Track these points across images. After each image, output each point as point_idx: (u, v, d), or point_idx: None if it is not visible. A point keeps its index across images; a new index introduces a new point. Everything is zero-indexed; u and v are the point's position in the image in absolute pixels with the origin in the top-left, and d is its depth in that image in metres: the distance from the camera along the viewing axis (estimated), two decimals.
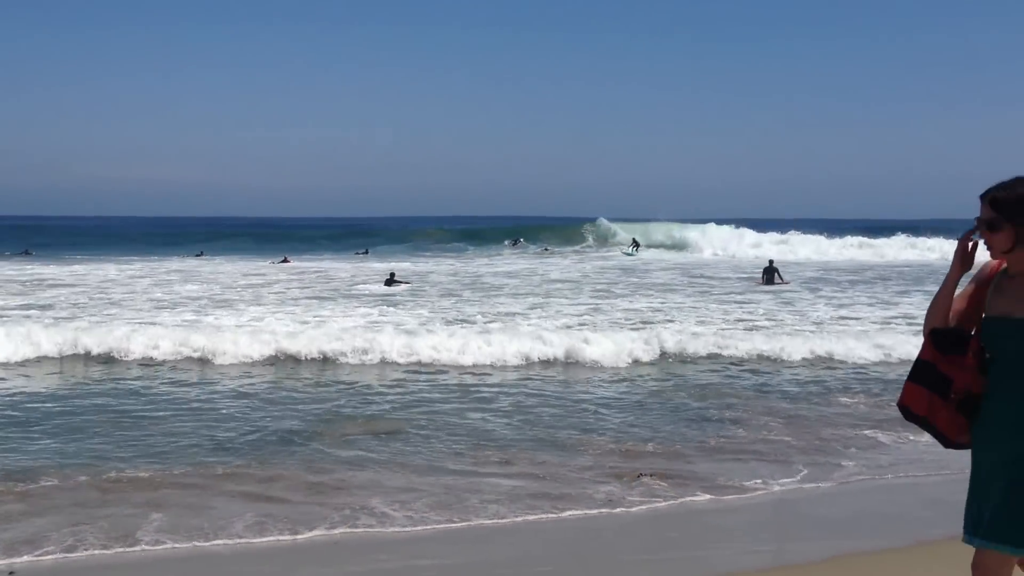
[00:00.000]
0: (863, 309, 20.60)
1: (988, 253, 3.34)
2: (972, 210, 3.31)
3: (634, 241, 51.79)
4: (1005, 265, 3.32)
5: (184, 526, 6.11)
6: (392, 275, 27.88)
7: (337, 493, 6.91)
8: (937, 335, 3.36)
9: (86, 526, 6.06)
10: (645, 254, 47.02)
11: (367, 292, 25.00)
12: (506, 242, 57.36)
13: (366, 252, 50.36)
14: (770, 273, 28.55)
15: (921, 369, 3.37)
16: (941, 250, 46.07)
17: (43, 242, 57.83)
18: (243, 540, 5.91)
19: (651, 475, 7.39)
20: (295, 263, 39.20)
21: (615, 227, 56.61)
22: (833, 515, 6.62)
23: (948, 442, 3.38)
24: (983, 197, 3.27)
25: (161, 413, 9.78)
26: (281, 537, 5.96)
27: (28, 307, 20.00)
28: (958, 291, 3.39)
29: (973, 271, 3.43)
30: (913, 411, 3.39)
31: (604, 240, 55.21)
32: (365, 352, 13.38)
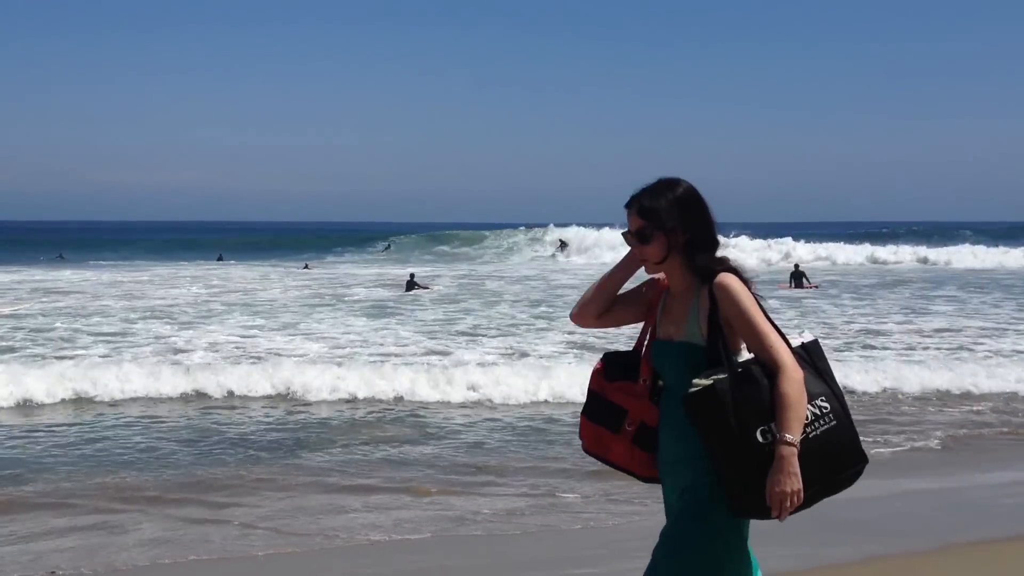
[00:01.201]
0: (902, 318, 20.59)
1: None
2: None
3: (561, 242, 51.68)
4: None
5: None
6: (412, 277, 27.92)
7: None
8: (609, 359, 3.12)
9: None
10: None
11: (367, 300, 24.54)
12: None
13: (388, 247, 50.70)
14: (797, 277, 28.51)
15: (589, 400, 3.13)
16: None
17: (70, 247, 58.94)
18: None
19: None
20: (316, 269, 39.69)
21: (555, 231, 54.49)
22: (859, 518, 6.72)
23: (639, 477, 3.11)
24: (628, 206, 2.98)
25: None
26: None
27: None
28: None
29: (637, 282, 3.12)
30: (585, 448, 3.16)
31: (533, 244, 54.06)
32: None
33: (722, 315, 2.83)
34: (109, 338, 16.10)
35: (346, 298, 24.78)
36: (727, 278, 2.85)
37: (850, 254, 46.99)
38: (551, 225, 55.45)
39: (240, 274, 35.98)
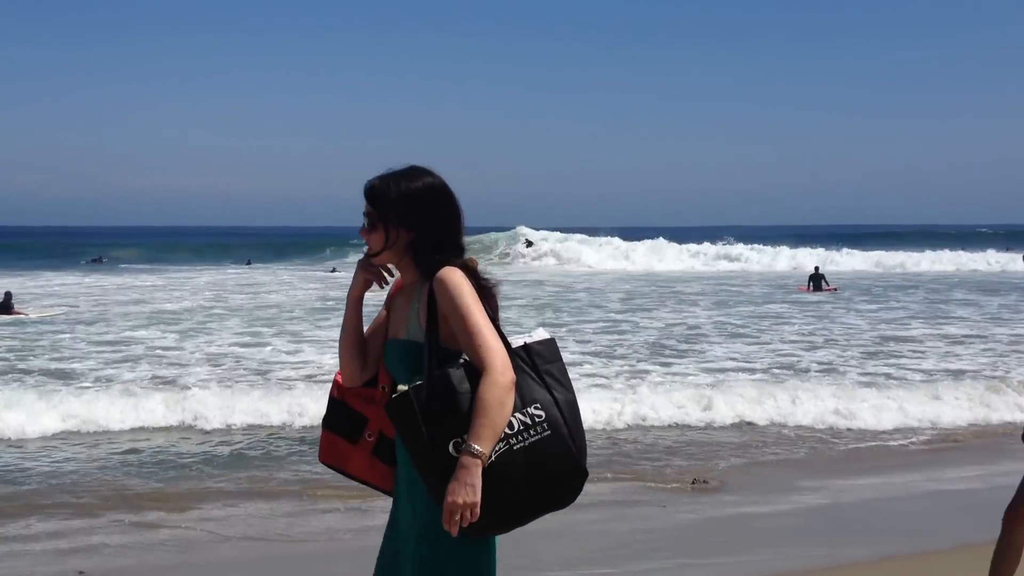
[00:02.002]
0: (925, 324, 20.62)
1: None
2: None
3: (527, 242, 51.90)
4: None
5: None
6: None
7: None
8: None
9: None
10: (675, 264, 46.18)
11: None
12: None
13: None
14: (817, 280, 28.56)
15: (329, 408, 2.90)
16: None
17: (100, 251, 59.81)
18: None
19: (704, 481, 7.70)
20: (343, 273, 40.08)
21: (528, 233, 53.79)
22: (873, 518, 6.86)
23: (383, 491, 2.87)
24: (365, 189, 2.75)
25: None
26: None
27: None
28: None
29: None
30: (320, 458, 2.92)
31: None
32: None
33: (439, 311, 2.59)
34: (112, 348, 15.86)
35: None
36: (447, 272, 2.59)
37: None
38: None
39: (259, 280, 36.35)
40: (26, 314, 21.15)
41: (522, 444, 2.50)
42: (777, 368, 13.62)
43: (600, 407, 10.14)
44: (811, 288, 28.13)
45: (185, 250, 62.94)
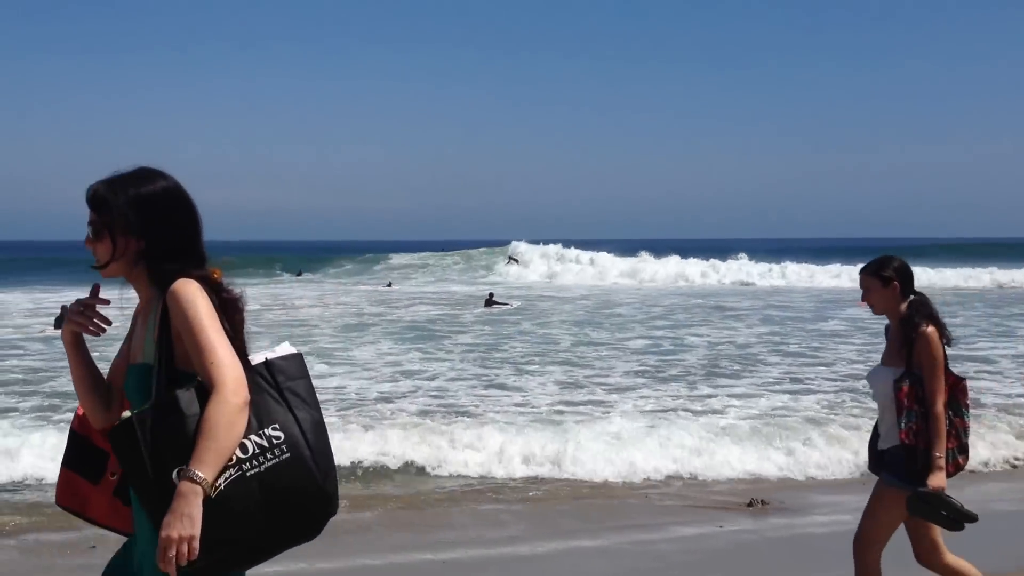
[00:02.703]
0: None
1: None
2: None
3: (511, 258, 51.67)
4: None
5: None
6: (491, 295, 28.47)
7: None
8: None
9: None
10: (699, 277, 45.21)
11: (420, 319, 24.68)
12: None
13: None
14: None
15: (69, 445, 2.64)
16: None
17: None
18: None
19: (761, 501, 7.71)
20: (398, 287, 40.47)
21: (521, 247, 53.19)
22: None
23: (129, 536, 2.59)
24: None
25: None
26: None
27: None
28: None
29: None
30: (59, 503, 2.65)
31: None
32: None
33: (173, 328, 2.36)
34: None
35: (395, 320, 25.23)
36: (180, 284, 2.36)
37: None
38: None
39: (308, 293, 36.72)
40: None
41: (256, 469, 2.27)
42: (842, 390, 13.04)
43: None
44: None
45: (237, 262, 63.49)
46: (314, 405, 2.44)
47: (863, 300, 4.32)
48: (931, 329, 4.07)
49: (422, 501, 7.92)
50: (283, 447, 2.31)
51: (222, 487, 2.22)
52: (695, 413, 11.04)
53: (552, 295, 34.69)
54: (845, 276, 40.38)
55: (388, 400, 11.86)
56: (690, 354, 16.59)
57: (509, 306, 27.49)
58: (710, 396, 12.28)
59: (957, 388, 4.15)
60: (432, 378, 13.85)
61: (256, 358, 2.43)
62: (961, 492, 4.60)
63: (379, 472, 8.75)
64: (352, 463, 8.72)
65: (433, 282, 47.02)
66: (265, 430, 2.31)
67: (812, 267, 45.99)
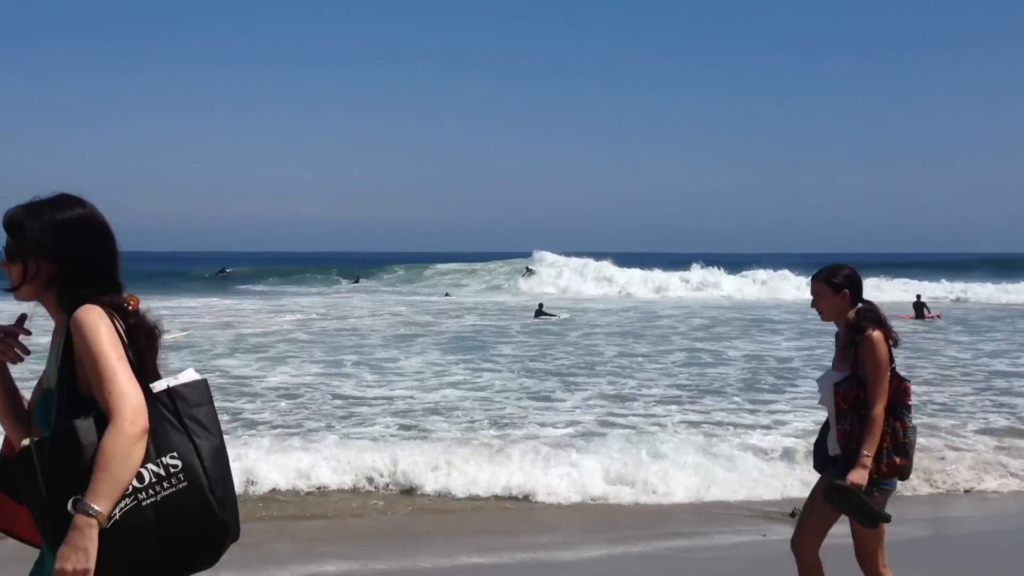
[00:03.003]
0: None
1: None
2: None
3: (527, 269, 51.89)
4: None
5: None
6: (540, 307, 28.74)
7: None
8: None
9: None
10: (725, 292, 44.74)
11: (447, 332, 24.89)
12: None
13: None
14: (919, 308, 28.01)
15: None
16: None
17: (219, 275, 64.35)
18: None
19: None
20: (455, 297, 41.70)
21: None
22: (986, 553, 6.81)
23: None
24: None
25: None
26: None
27: None
28: None
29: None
30: None
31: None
32: None
33: (76, 354, 2.37)
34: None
35: (440, 332, 25.39)
36: (83, 311, 2.37)
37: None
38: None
39: (367, 303, 37.18)
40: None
41: (153, 499, 2.28)
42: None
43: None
44: (915, 316, 27.59)
45: (298, 271, 66.21)
46: (215, 432, 2.43)
47: (813, 306, 4.42)
48: (876, 333, 4.18)
49: (474, 508, 8.16)
50: (180, 475, 2.32)
51: (117, 517, 2.22)
52: (742, 428, 11.06)
53: (595, 307, 34.80)
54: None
55: (506, 422, 11.22)
56: (731, 368, 16.62)
57: (557, 317, 27.66)
58: (754, 411, 12.29)
59: (900, 390, 4.23)
60: (501, 390, 14.03)
61: (158, 385, 2.43)
62: None
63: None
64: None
65: (483, 290, 48.36)
66: (163, 458, 2.32)
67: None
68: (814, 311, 4.49)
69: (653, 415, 11.79)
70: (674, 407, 12.34)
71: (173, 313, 29.29)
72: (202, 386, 2.47)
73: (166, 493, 2.29)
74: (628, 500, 8.26)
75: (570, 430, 10.83)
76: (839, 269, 4.40)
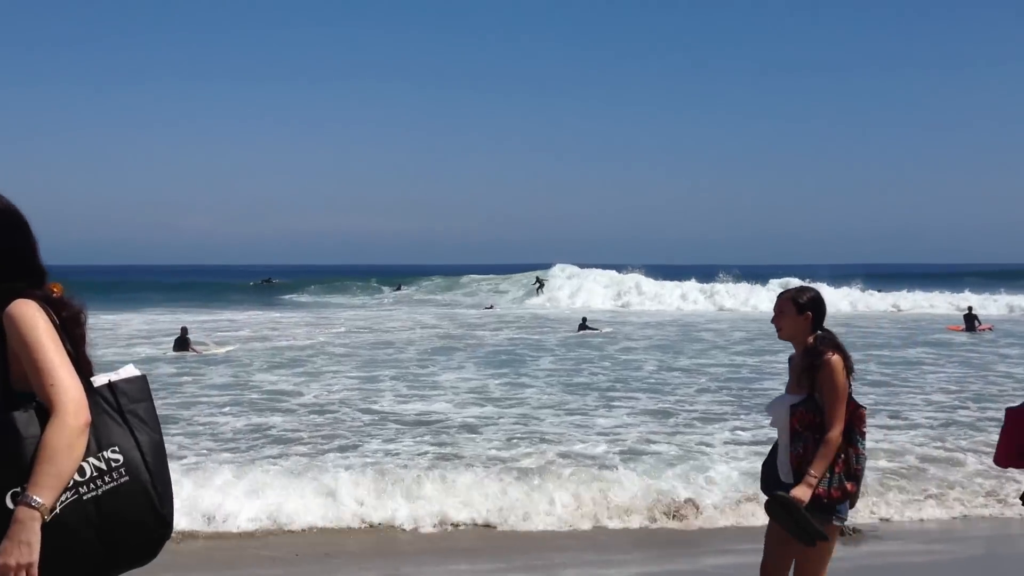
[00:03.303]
0: None
1: None
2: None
3: (538, 280, 52.02)
4: None
5: None
6: (584, 320, 28.78)
7: None
8: None
9: None
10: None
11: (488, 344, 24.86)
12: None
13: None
14: (970, 320, 27.54)
15: None
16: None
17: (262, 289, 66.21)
18: None
19: (854, 530, 7.57)
20: (498, 310, 42.57)
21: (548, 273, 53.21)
22: None
23: None
24: None
25: None
26: None
27: None
28: None
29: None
30: None
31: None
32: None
33: (9, 348, 2.34)
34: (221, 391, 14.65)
35: (481, 345, 25.30)
36: (17, 305, 2.35)
37: None
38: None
39: (408, 315, 37.32)
40: (202, 350, 20.83)
41: (94, 493, 2.27)
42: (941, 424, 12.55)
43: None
44: (966, 328, 27.13)
45: (338, 280, 68.06)
46: (155, 428, 2.42)
47: (773, 322, 4.36)
48: (836, 357, 4.12)
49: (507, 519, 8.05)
50: (122, 470, 2.31)
51: (58, 511, 2.21)
52: None
53: (636, 320, 34.64)
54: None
55: (543, 440, 10.93)
56: (775, 381, 16.37)
57: (599, 331, 27.60)
58: None
59: (855, 416, 4.17)
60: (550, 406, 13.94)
61: (99, 380, 2.42)
62: None
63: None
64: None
65: (522, 299, 49.21)
66: (104, 453, 2.31)
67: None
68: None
69: (697, 431, 11.61)
70: (717, 425, 12.14)
71: (217, 327, 29.66)
72: (142, 382, 2.48)
73: (107, 487, 2.28)
74: (675, 525, 8.08)
75: (615, 447, 10.64)
76: (806, 291, 4.37)
